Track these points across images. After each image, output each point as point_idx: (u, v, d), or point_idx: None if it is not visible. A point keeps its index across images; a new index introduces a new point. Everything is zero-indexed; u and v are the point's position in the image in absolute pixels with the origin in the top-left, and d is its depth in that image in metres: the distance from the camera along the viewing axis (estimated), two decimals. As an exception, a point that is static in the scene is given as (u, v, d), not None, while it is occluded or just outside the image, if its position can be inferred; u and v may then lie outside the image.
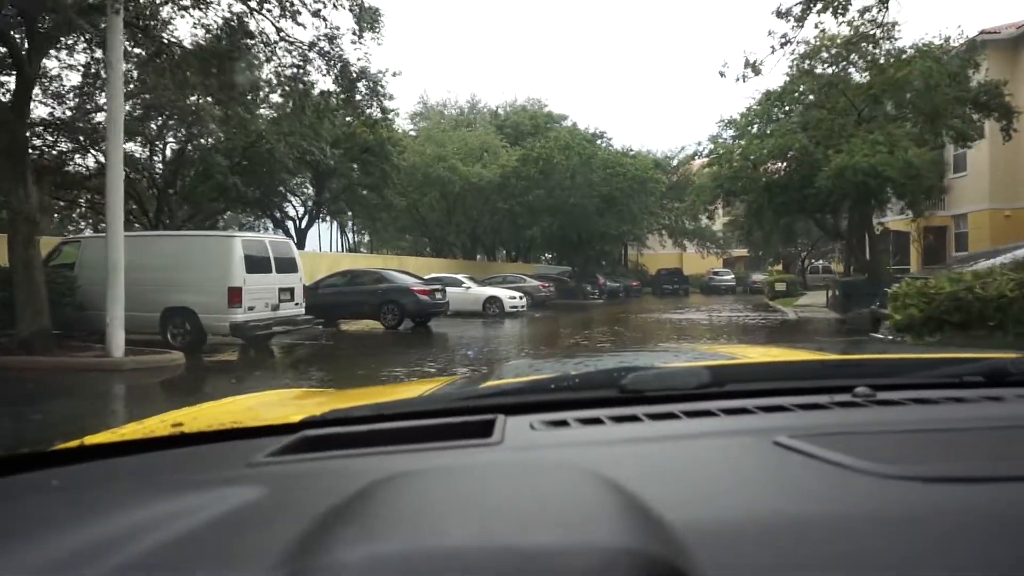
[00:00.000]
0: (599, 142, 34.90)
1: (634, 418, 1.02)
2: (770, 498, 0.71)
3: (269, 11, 12.29)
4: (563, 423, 1.00)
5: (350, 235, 58.66)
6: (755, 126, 19.49)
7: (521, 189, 31.56)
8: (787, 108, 18.78)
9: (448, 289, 23.30)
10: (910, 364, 1.38)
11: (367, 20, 12.75)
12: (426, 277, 24.45)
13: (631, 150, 33.72)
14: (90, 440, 1.05)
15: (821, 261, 42.25)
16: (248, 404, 1.52)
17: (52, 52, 14.22)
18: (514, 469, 0.82)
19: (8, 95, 12.15)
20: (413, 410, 1.13)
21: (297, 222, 31.47)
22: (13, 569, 0.60)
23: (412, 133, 37.28)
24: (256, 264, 12.53)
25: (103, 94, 15.22)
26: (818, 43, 16.57)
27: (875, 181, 15.21)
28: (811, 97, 17.79)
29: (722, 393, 1.13)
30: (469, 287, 23.52)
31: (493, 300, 23.26)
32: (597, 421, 1.00)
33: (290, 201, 30.29)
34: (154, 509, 0.73)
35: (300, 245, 30.89)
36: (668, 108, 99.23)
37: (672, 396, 1.10)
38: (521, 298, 23.99)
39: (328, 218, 34.51)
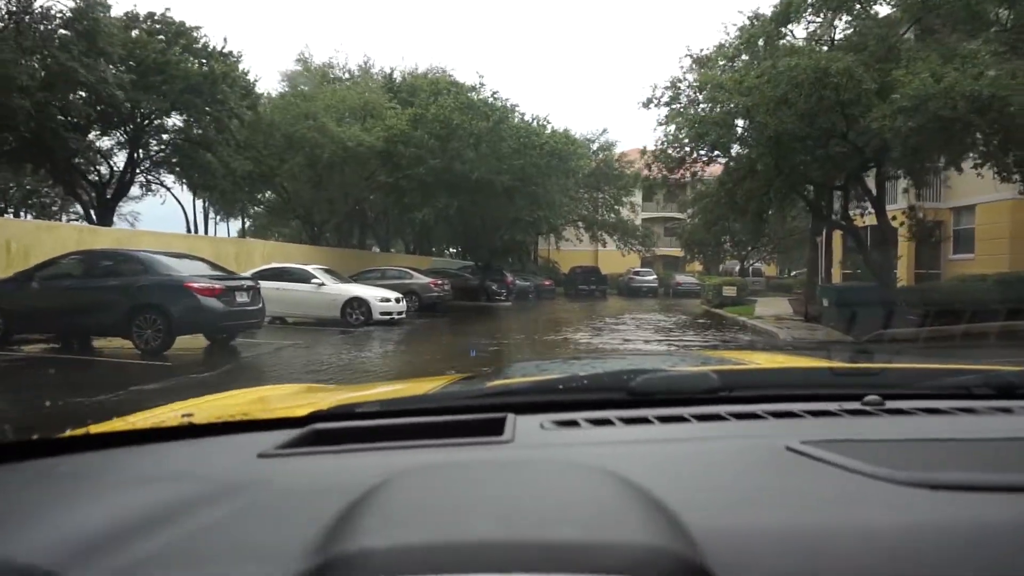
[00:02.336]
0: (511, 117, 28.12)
1: (644, 420, 1.01)
2: (785, 503, 0.71)
3: None
4: (573, 423, 1.00)
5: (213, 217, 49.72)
6: (739, 61, 13.43)
7: (411, 159, 24.48)
8: (807, 25, 12.73)
9: (289, 287, 16.10)
10: (919, 374, 1.39)
11: None
12: (258, 269, 17.08)
13: (547, 123, 27.26)
14: (96, 428, 1.07)
15: (741, 263, 37.43)
16: (254, 397, 1.53)
17: None
18: (529, 466, 0.81)
19: None
20: (421, 407, 1.15)
21: (101, 191, 23.12)
22: (25, 555, 0.59)
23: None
24: None
25: None
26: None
27: (970, 119, 9.37)
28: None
29: (731, 398, 1.14)
30: (322, 284, 16.30)
31: (356, 303, 16.17)
32: (607, 422, 1.01)
33: (83, 161, 21.86)
34: (169, 500, 0.72)
35: (105, 220, 22.62)
36: (592, 96, 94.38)
37: (680, 399, 1.10)
38: (399, 300, 17.03)
39: (151, 187, 26.09)
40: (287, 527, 0.65)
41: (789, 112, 11.02)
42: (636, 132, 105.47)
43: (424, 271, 24.28)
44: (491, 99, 24.92)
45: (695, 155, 14.48)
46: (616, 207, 42.03)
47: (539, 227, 26.31)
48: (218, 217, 51.44)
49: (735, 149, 14.18)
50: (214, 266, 11.75)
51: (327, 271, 17.48)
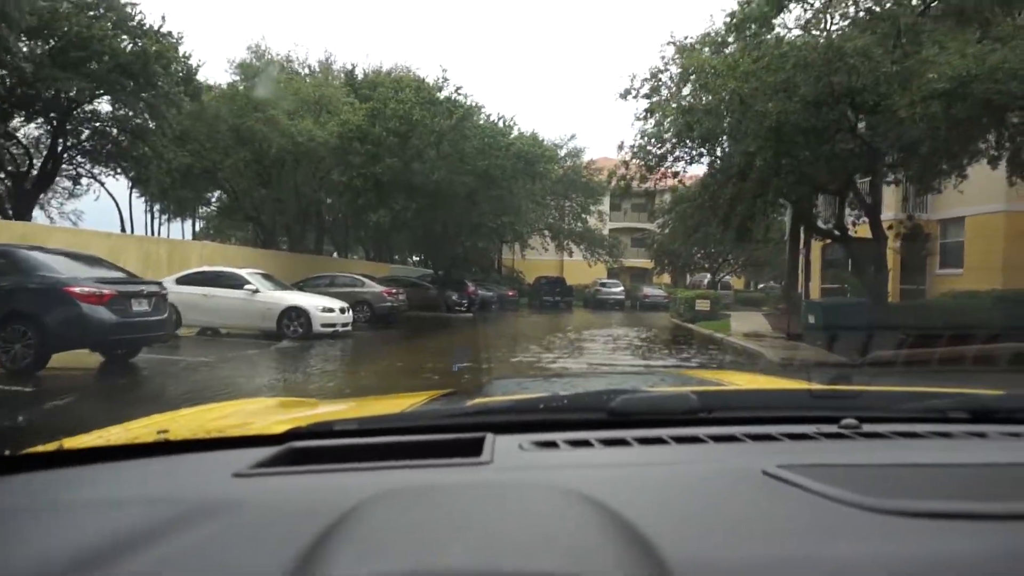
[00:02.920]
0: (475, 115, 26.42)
1: (623, 442, 1.01)
2: (760, 532, 0.71)
3: None
4: (552, 444, 1.00)
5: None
6: (727, 49, 12.01)
7: (367, 157, 22.69)
8: (803, 12, 11.36)
9: (218, 294, 14.20)
10: (896, 397, 1.40)
11: None
12: (183, 273, 15.14)
13: (513, 124, 25.73)
14: (69, 443, 1.05)
15: (712, 276, 36.38)
16: (230, 411, 1.51)
17: None
18: (508, 491, 0.82)
19: None
20: (401, 425, 1.14)
21: (19, 181, 20.82)
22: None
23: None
24: None
25: None
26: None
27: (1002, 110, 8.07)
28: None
29: (710, 419, 1.14)
30: (256, 290, 14.41)
31: (295, 313, 14.31)
32: (586, 443, 1.01)
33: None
34: (145, 521, 0.71)
35: (23, 214, 20.31)
36: (561, 104, 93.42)
37: (660, 420, 1.10)
38: (345, 311, 15.22)
39: (80, 180, 23.81)
40: (263, 552, 0.65)
41: (794, 99, 9.64)
42: (606, 141, 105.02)
43: (379, 279, 22.49)
44: (455, 95, 23.31)
45: (678, 152, 13.02)
46: (583, 216, 40.76)
47: (503, 234, 24.74)
48: (165, 217, 48.80)
49: (723, 146, 12.76)
50: (113, 268, 9.84)
51: (264, 276, 15.59)
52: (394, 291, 21.16)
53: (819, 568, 0.62)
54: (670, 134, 12.62)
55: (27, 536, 0.71)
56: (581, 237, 40.78)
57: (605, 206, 45.44)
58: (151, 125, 19.65)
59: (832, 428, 1.09)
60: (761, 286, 47.71)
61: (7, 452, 0.97)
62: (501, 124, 25.60)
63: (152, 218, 47.30)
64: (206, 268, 15.31)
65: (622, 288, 39.33)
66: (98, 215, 54.17)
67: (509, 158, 24.29)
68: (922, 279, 18.55)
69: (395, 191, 23.00)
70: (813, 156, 10.50)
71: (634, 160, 13.99)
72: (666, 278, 48.53)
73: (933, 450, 1.04)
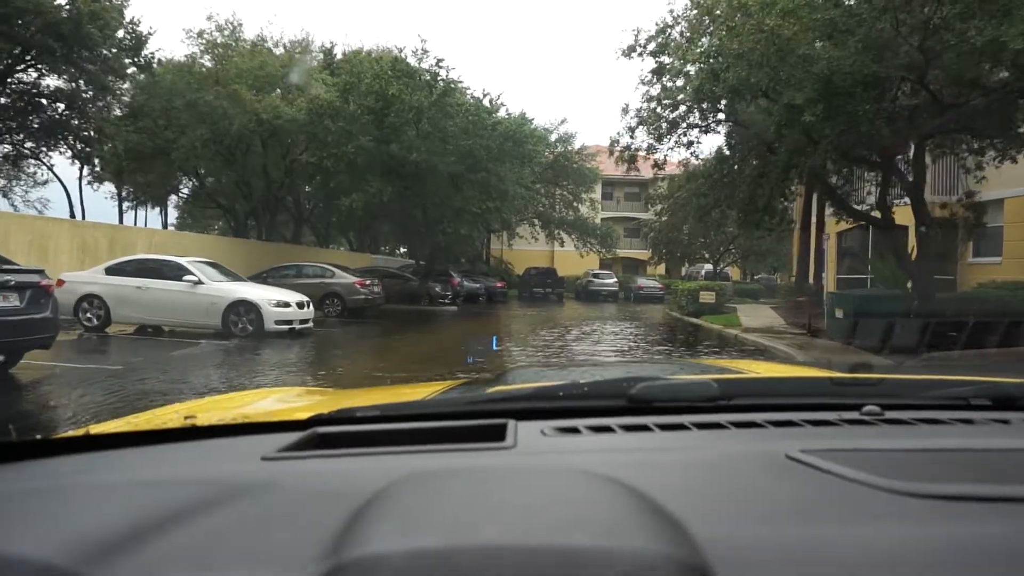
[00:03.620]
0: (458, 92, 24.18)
1: (644, 427, 1.01)
2: (786, 512, 0.71)
3: None
4: (574, 430, 1.01)
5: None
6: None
7: (339, 135, 20.57)
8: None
9: (153, 286, 12.16)
10: (918, 385, 1.40)
11: None
12: (115, 262, 13.07)
13: (500, 104, 23.61)
14: (96, 429, 1.08)
15: (714, 266, 34.45)
16: (253, 399, 1.55)
17: None
18: (535, 472, 0.82)
19: None
20: (422, 412, 1.15)
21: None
22: (43, 554, 0.59)
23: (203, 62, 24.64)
24: None
25: None
26: None
27: None
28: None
29: (731, 407, 1.14)
30: (198, 282, 12.34)
31: (243, 308, 12.27)
32: (608, 429, 1.01)
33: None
34: (178, 502, 0.72)
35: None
36: (551, 91, 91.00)
37: (680, 408, 1.10)
38: (304, 305, 13.15)
39: (18, 160, 21.58)
40: (297, 531, 0.65)
41: (852, 39, 7.69)
42: (597, 129, 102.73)
43: (355, 270, 20.42)
44: (435, 67, 21.22)
45: (693, 117, 11.02)
46: (575, 204, 38.80)
47: (489, 220, 22.68)
48: (131, 205, 46.34)
49: (752, 105, 10.71)
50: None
51: (212, 265, 13.51)
52: (368, 282, 19.12)
53: (847, 548, 0.62)
54: (686, 93, 10.58)
55: (60, 516, 0.71)
56: (572, 226, 38.81)
57: (597, 194, 43.54)
58: (90, 97, 17.51)
59: (854, 415, 1.09)
60: (757, 277, 46.02)
61: (38, 436, 0.97)
62: (487, 103, 23.52)
63: (120, 207, 44.95)
64: (142, 256, 13.21)
65: (616, 279, 37.46)
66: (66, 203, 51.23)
67: (495, 138, 22.23)
68: (952, 268, 16.70)
69: (370, 173, 20.88)
70: (873, 112, 8.51)
71: (640, 128, 11.98)
72: (661, 269, 46.86)
73: (956, 436, 1.04)
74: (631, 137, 12.28)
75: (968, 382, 1.29)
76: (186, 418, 1.10)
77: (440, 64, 21.41)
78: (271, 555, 0.61)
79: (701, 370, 2.09)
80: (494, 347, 11.40)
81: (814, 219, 20.51)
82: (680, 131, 11.71)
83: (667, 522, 0.62)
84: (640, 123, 11.82)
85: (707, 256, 29.78)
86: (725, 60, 9.13)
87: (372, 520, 0.62)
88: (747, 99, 10.07)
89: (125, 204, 48.21)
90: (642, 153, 12.52)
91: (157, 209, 48.03)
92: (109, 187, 41.10)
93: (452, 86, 21.40)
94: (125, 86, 20.69)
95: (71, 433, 1.00)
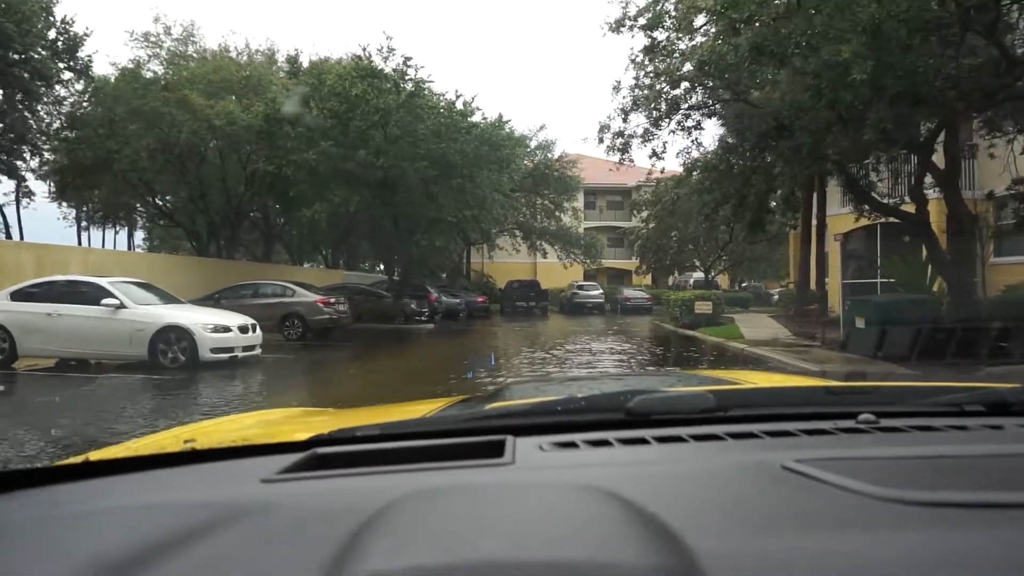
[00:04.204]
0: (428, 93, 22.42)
1: (642, 441, 1.02)
2: (783, 523, 0.71)
3: None
4: (572, 444, 1.01)
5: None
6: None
7: (300, 141, 18.86)
8: None
9: (68, 311, 10.38)
10: (911, 392, 1.41)
11: None
12: (23, 285, 11.28)
13: (475, 107, 21.97)
14: (95, 456, 1.08)
15: (706, 274, 32.94)
16: (252, 421, 1.57)
17: None
18: (533, 488, 0.83)
19: None
20: (421, 430, 1.14)
21: None
22: None
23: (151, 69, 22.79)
24: None
25: None
26: None
27: None
28: None
29: (727, 418, 1.14)
30: (120, 306, 10.54)
31: (174, 335, 10.47)
32: (605, 443, 1.01)
33: None
34: (179, 525, 0.72)
35: None
36: (530, 98, 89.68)
37: (677, 420, 1.11)
38: (249, 329, 11.35)
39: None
40: (298, 551, 0.66)
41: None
42: (577, 136, 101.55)
43: (317, 288, 18.62)
44: (403, 66, 19.59)
45: (696, 98, 9.44)
46: (557, 213, 37.26)
47: (465, 230, 21.02)
48: (99, 224, 44.14)
49: (748, 98, 9.08)
50: None
51: (142, 287, 11.71)
52: (333, 300, 17.34)
53: (844, 558, 0.62)
54: (692, 62, 8.95)
55: (65, 543, 0.71)
56: (555, 236, 37.24)
57: (580, 202, 42.09)
58: (14, 104, 15.68)
59: (849, 423, 1.09)
60: (744, 285, 44.70)
61: (38, 465, 0.98)
62: (460, 105, 21.91)
63: (79, 228, 42.74)
64: (55, 277, 11.36)
65: (601, 291, 35.89)
66: (40, 225, 48.60)
67: (470, 142, 20.60)
68: (971, 269, 15.27)
69: (334, 182, 19.16)
70: (934, 70, 6.90)
71: (634, 112, 10.34)
72: (647, 279, 45.45)
73: (950, 443, 1.04)
74: (624, 121, 10.66)
75: (962, 388, 1.32)
76: (186, 442, 1.10)
77: (408, 63, 19.80)
78: (273, 574, 0.62)
79: (698, 381, 2.09)
80: (492, 363, 10.61)
81: (814, 221, 19.11)
82: (680, 113, 10.10)
83: (663, 534, 0.62)
84: (634, 104, 10.18)
85: (697, 264, 28.27)
86: (746, 7, 7.49)
87: (372, 538, 0.62)
88: (767, 66, 8.47)
89: (93, 226, 45.92)
90: (637, 140, 10.90)
91: (126, 231, 45.91)
92: (67, 209, 38.93)
93: (421, 86, 19.78)
94: (61, 93, 18.82)
95: (69, 460, 1.01)
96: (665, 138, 10.52)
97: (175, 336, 10.39)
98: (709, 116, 10.46)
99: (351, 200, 18.93)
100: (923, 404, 1.24)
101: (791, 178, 8.87)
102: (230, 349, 10.75)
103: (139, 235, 43.87)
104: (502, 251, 38.66)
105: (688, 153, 11.26)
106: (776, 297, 38.22)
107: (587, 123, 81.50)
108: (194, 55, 23.62)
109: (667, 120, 10.23)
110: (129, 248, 37.92)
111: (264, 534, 0.71)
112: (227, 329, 10.80)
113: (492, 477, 0.89)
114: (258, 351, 11.54)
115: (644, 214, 29.43)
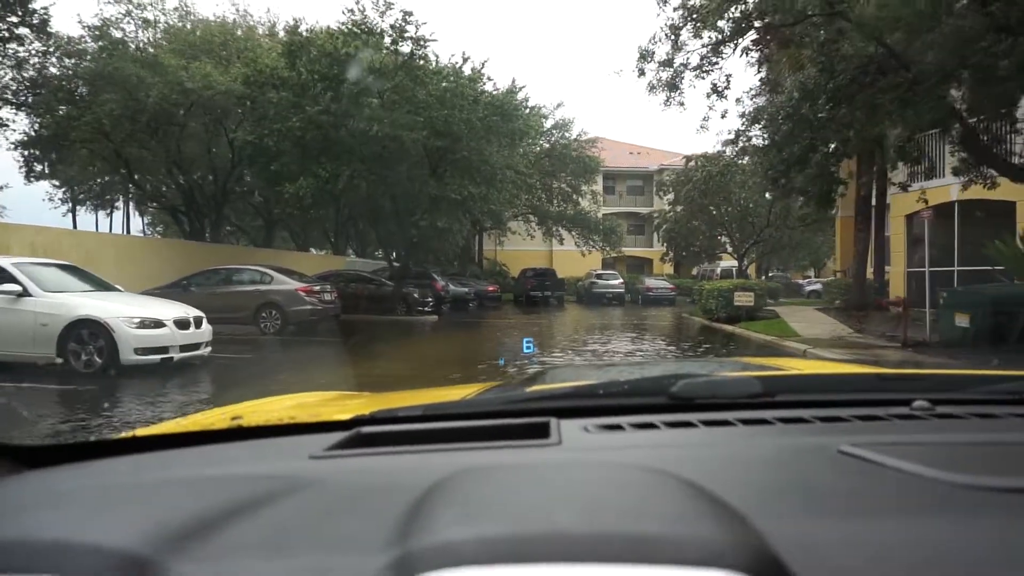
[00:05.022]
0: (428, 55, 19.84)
1: (688, 424, 1.00)
2: (845, 504, 0.71)
3: None
4: (617, 427, 1.00)
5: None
6: None
7: (283, 107, 16.55)
8: None
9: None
10: (969, 380, 1.34)
11: None
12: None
13: (484, 75, 19.40)
14: (143, 432, 1.08)
15: (739, 261, 30.20)
16: (293, 403, 1.53)
17: None
18: (587, 466, 0.81)
19: None
20: (464, 411, 1.15)
21: None
22: (119, 542, 0.60)
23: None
24: None
25: None
26: None
27: None
28: None
29: (774, 403, 1.11)
30: (24, 292, 8.30)
31: (88, 331, 8.23)
32: (651, 426, 1.00)
33: None
34: (238, 495, 0.73)
35: None
36: (550, 79, 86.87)
37: (722, 405, 1.08)
38: (192, 324, 9.05)
39: None
40: (360, 521, 0.66)
41: None
42: (595, 118, 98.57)
43: (300, 274, 16.36)
44: (401, 23, 17.17)
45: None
46: (575, 196, 34.74)
47: (471, 209, 18.61)
48: (93, 206, 42.34)
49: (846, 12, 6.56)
50: None
51: (67, 270, 9.48)
52: (318, 288, 15.08)
53: (910, 541, 0.61)
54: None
55: (129, 509, 0.72)
56: (572, 221, 34.77)
57: (599, 185, 39.56)
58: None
59: (903, 410, 1.06)
60: (771, 275, 41.96)
61: (92, 439, 0.99)
62: (468, 71, 19.45)
63: (73, 209, 40.97)
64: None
65: (621, 280, 33.42)
66: (36, 209, 46.81)
67: (478, 111, 18.20)
68: None
69: (321, 152, 16.86)
70: None
71: (688, 27, 7.72)
72: (668, 268, 42.88)
73: (1012, 430, 1.02)
74: (675, 46, 8.00)
75: (1020, 377, 1.26)
76: (233, 419, 1.11)
77: (408, 19, 17.36)
78: (339, 542, 0.61)
79: (741, 367, 1.96)
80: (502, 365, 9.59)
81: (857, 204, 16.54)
82: (750, 36, 7.54)
83: (729, 512, 0.61)
84: (689, 16, 7.49)
85: (729, 251, 25.65)
86: None
87: (436, 510, 0.62)
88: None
89: (85, 209, 44.07)
90: (690, 73, 8.34)
91: (124, 215, 43.99)
92: (53, 189, 37.02)
93: (423, 44, 17.36)
94: (22, 54, 16.65)
95: (121, 435, 1.01)
96: (728, 69, 8.05)
97: (88, 333, 8.15)
98: (785, 45, 7.90)
99: (341, 174, 16.60)
100: (980, 392, 1.19)
101: (910, 119, 6.45)
102: (163, 350, 8.47)
103: (143, 221, 41.97)
104: (516, 236, 36.24)
105: (752, 97, 8.80)
106: (809, 287, 35.62)
107: (606, 103, 78.38)
108: (178, 22, 21.34)
109: (731, 44, 7.70)
110: (126, 231, 35.84)
111: (323, 505, 0.71)
112: (158, 324, 8.52)
113: (541, 456, 0.87)
114: (205, 351, 9.28)
115: (671, 196, 26.80)
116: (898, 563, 0.58)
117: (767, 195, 14.96)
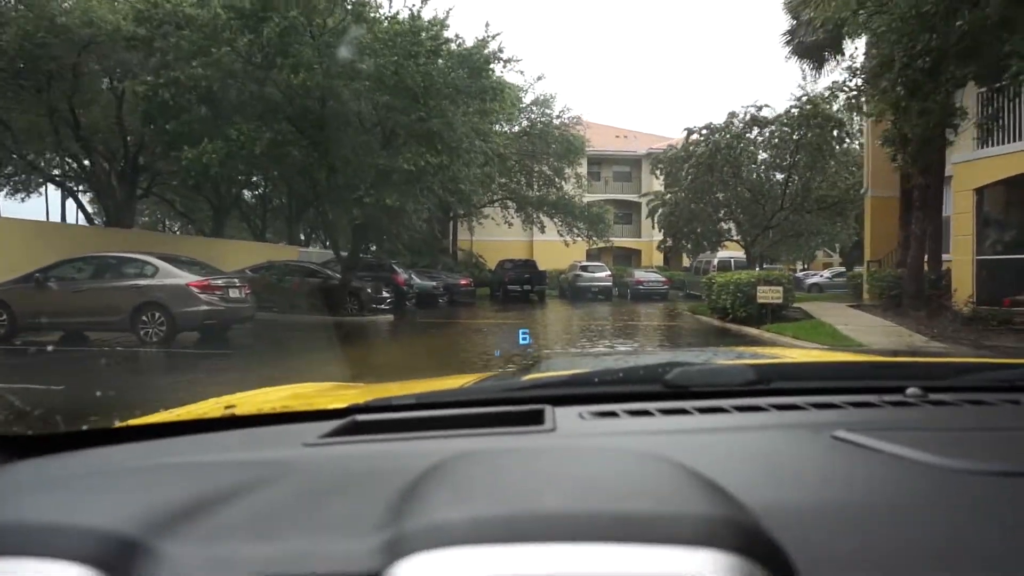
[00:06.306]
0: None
1: (683, 411, 1.01)
2: (838, 487, 0.72)
3: None
4: (612, 414, 1.00)
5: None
6: None
7: (186, 51, 12.85)
8: None
9: None
10: (961, 367, 1.36)
11: None
12: None
13: (446, 24, 15.72)
14: (137, 421, 1.07)
15: (748, 251, 26.87)
16: (288, 393, 1.54)
17: None
18: (581, 451, 0.81)
19: None
20: (458, 399, 1.15)
21: None
22: (109, 524, 0.61)
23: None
24: None
25: None
26: None
27: None
28: None
29: (769, 390, 1.12)
30: None
31: None
32: (646, 413, 1.00)
33: None
34: (230, 480, 0.73)
35: None
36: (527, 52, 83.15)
37: (717, 392, 1.09)
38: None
39: None
40: (351, 504, 0.66)
41: None
42: (578, 99, 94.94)
43: (203, 266, 12.71)
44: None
45: None
46: (557, 180, 31.23)
47: (430, 184, 14.96)
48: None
49: None
50: None
51: None
52: (220, 284, 11.45)
53: (904, 524, 0.62)
54: None
55: (119, 494, 0.72)
56: (555, 207, 31.27)
57: (584, 168, 36.10)
58: None
59: (897, 397, 1.07)
60: (765, 266, 38.87)
61: (84, 427, 0.98)
62: (429, 17, 15.79)
63: (78, 203, 36.58)
64: None
65: (608, 272, 30.06)
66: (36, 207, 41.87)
67: (438, 63, 14.60)
68: None
69: (239, 112, 13.21)
70: None
71: None
72: (658, 259, 39.63)
73: (1005, 416, 1.03)
74: None
75: (1013, 364, 1.28)
76: (226, 408, 1.11)
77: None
78: (330, 525, 0.62)
79: (736, 356, 2.00)
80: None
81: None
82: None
83: (722, 492, 0.62)
84: None
85: (736, 238, 22.40)
86: None
87: (429, 493, 0.62)
88: None
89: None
90: None
91: (60, 197, 39.74)
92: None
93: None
94: None
95: (116, 424, 1.01)
96: None
97: None
98: None
99: (260, 137, 12.94)
100: (973, 379, 1.21)
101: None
102: None
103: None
104: (492, 224, 32.72)
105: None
106: (809, 280, 32.51)
107: (589, 84, 74.79)
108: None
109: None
110: (88, 221, 31.16)
111: (314, 489, 0.71)
112: None
113: (536, 442, 0.88)
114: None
115: (668, 175, 23.42)
116: (891, 546, 0.58)
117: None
